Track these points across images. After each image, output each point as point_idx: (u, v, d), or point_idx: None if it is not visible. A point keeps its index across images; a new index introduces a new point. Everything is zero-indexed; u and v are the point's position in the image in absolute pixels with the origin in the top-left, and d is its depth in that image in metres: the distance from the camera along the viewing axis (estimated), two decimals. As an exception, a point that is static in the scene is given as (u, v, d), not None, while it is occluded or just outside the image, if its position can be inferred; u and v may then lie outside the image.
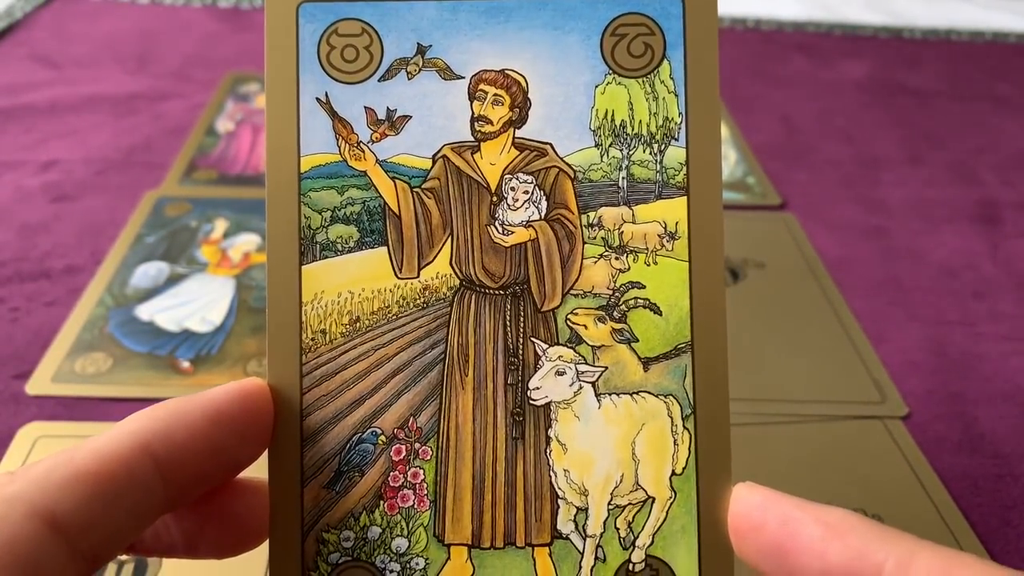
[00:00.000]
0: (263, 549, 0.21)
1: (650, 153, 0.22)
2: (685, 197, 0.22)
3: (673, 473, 0.22)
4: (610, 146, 0.22)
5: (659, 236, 0.22)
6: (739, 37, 0.87)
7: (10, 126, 0.64)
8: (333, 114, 0.22)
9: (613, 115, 0.22)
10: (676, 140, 0.22)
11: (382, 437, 0.22)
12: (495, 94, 0.22)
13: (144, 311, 0.47)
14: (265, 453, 0.21)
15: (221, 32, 0.81)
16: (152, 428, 0.19)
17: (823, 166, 0.65)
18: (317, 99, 0.22)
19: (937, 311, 0.51)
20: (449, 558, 0.22)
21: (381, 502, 0.22)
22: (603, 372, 0.22)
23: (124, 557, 0.34)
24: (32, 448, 0.38)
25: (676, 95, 0.22)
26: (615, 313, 0.22)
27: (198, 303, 0.48)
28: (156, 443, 0.19)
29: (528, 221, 0.23)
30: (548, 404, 0.22)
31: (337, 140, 0.22)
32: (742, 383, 0.44)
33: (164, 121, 0.66)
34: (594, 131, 0.22)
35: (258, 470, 0.22)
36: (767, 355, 0.46)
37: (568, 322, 0.22)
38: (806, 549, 0.18)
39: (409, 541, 0.22)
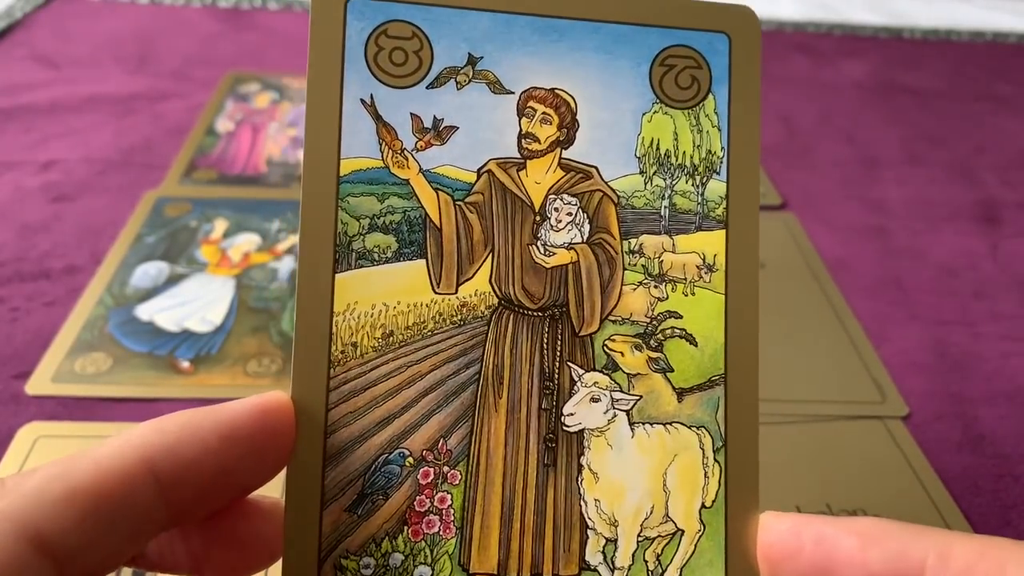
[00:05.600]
0: (276, 568, 0.20)
1: (692, 184, 0.22)
2: (724, 231, 0.22)
3: (703, 506, 0.21)
4: (654, 174, 0.22)
5: (698, 267, 0.22)
6: (739, 37, 0.87)
7: (10, 126, 0.64)
8: (377, 117, 0.21)
9: (659, 144, 0.22)
10: (718, 174, 0.22)
11: (410, 459, 0.21)
12: (544, 112, 0.22)
13: (144, 311, 0.47)
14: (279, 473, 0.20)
15: (221, 32, 0.81)
16: (158, 443, 0.18)
17: (823, 166, 0.65)
18: (361, 100, 0.21)
19: (937, 311, 0.51)
20: None
21: (405, 527, 0.21)
22: (638, 401, 0.22)
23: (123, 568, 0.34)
24: (32, 448, 0.38)
25: (719, 129, 0.22)
26: (652, 341, 0.22)
27: (198, 303, 0.48)
28: (160, 459, 0.18)
29: (570, 243, 0.22)
30: (581, 431, 0.22)
31: (380, 145, 0.21)
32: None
33: (164, 121, 0.66)
34: (639, 158, 0.22)
35: (272, 488, 0.20)
36: (767, 355, 0.46)
37: (605, 348, 0.22)
38: (847, 562, 0.18)
39: (432, 569, 0.21)
